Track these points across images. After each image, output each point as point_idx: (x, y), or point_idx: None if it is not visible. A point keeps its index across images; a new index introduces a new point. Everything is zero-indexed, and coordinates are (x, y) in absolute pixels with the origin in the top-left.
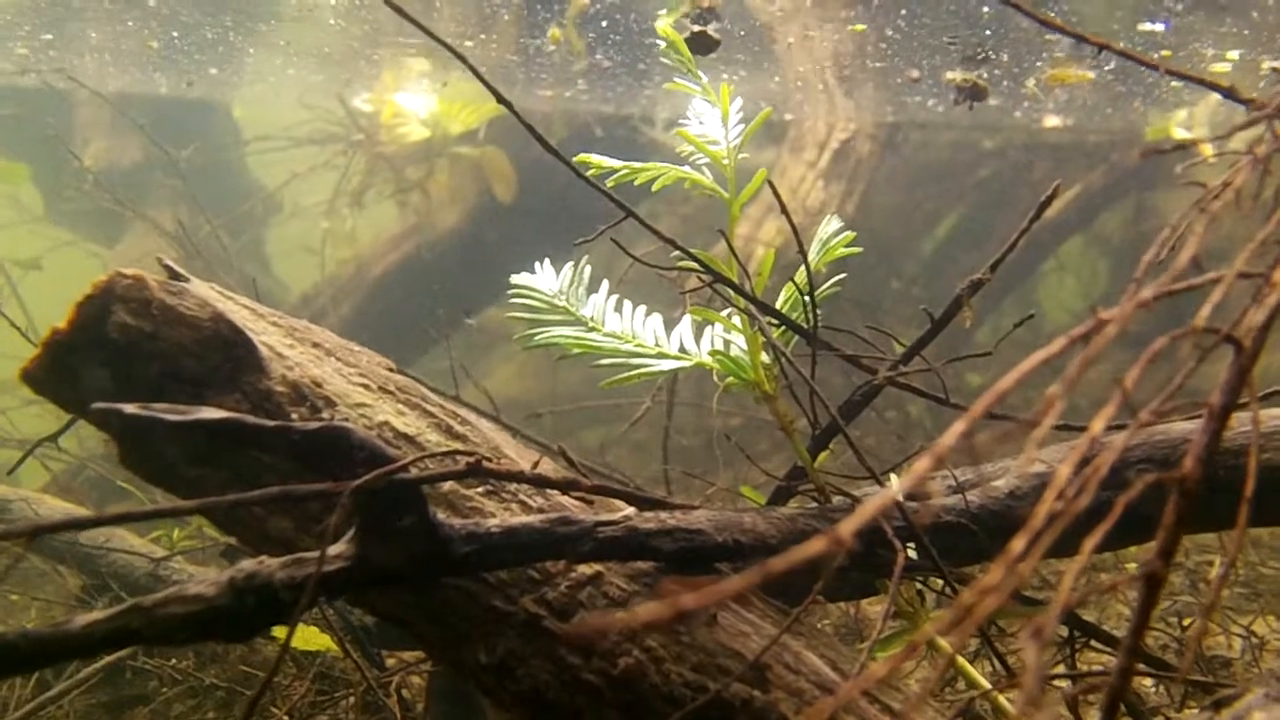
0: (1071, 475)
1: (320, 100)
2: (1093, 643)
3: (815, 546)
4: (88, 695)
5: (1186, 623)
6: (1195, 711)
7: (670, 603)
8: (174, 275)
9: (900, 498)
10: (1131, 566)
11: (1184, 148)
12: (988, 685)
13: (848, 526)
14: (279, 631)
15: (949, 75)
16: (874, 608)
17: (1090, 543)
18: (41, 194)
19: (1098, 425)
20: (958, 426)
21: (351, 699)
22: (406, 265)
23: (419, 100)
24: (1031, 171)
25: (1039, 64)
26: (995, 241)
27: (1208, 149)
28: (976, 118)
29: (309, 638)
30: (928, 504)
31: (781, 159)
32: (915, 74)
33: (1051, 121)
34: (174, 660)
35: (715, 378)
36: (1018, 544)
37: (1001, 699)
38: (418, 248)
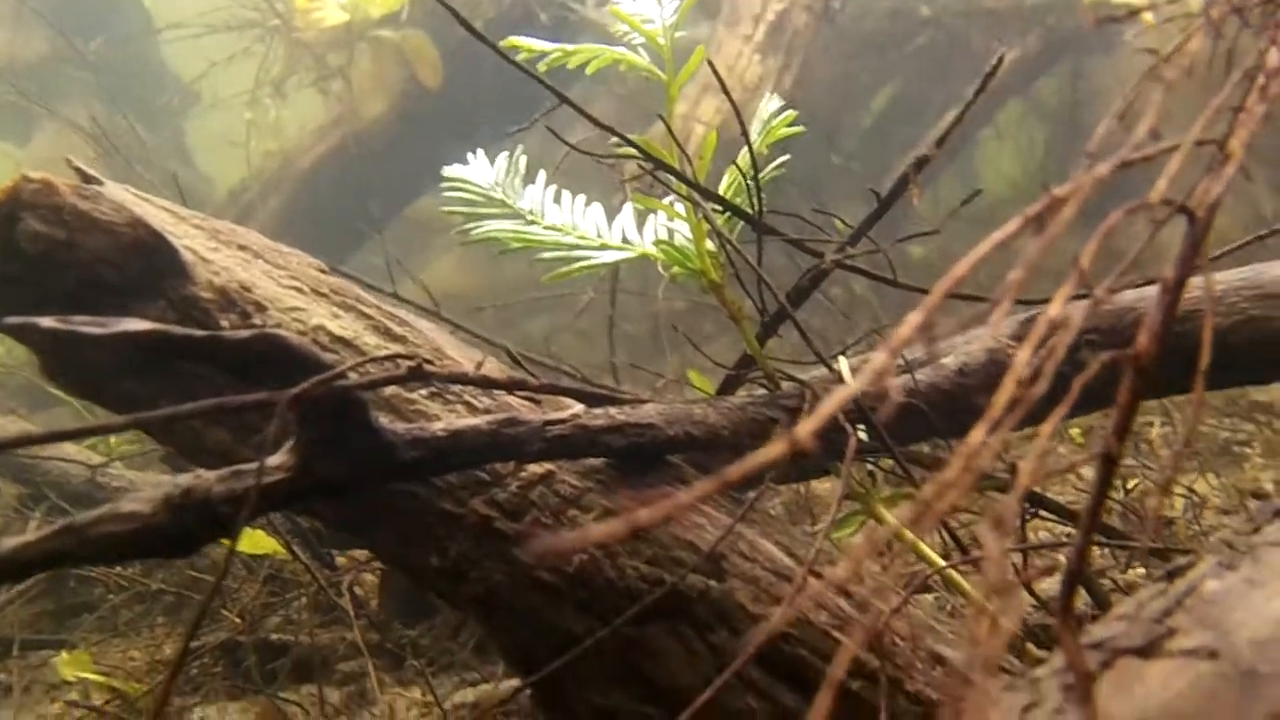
0: (1029, 358)
1: None
2: (1041, 511)
3: (774, 450)
4: (32, 605)
5: (1131, 485)
6: (1146, 578)
7: (627, 518)
8: (86, 178)
9: (853, 385)
10: (1075, 433)
11: (1132, 15)
12: (942, 562)
13: (807, 427)
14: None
15: None
16: (823, 485)
17: (1048, 428)
18: None
19: (1056, 306)
20: (915, 316)
21: (303, 599)
22: (334, 157)
23: None
24: (969, 40)
25: None
26: (934, 111)
27: (1149, 16)
28: None
29: (256, 542)
30: (888, 400)
31: (717, 34)
32: None
33: None
34: (119, 568)
35: (661, 268)
36: (976, 435)
37: (955, 574)
38: (344, 139)
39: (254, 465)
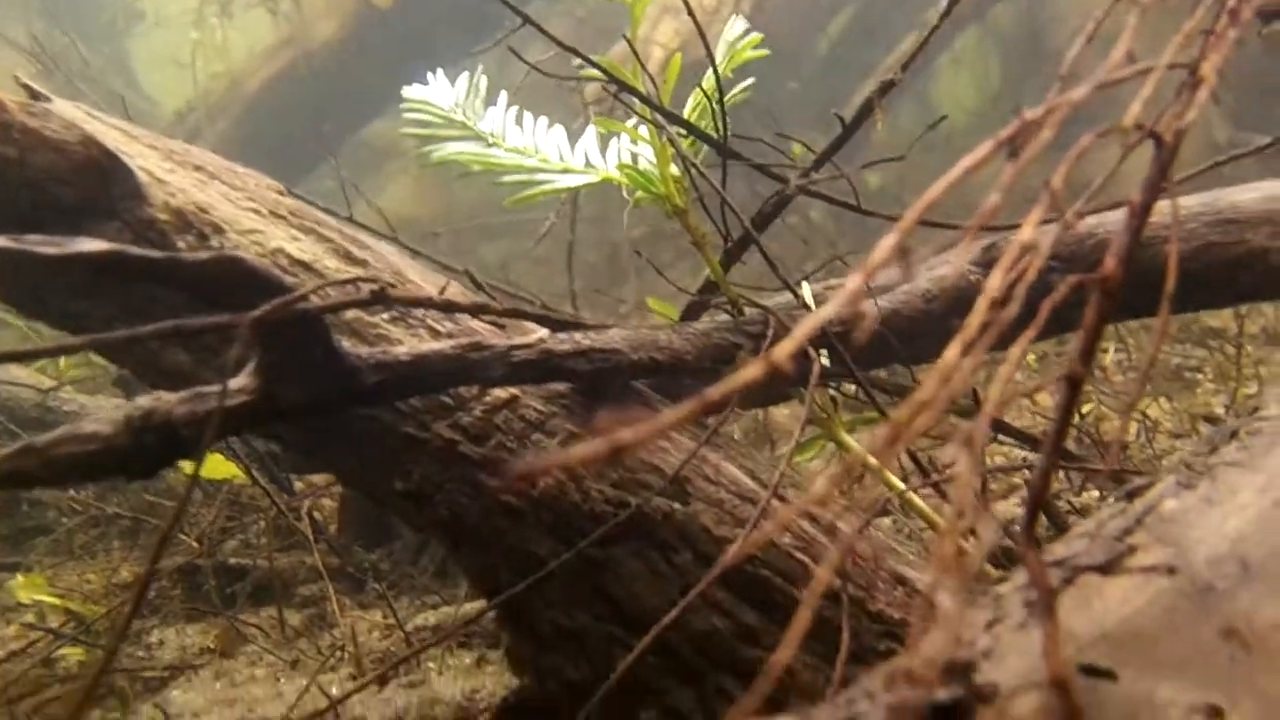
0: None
1: None
2: (1000, 436)
3: (752, 372)
4: None
5: (1086, 410)
6: (1101, 501)
7: (608, 439)
8: (34, 95)
9: (829, 308)
10: (1031, 359)
11: None
12: (903, 487)
13: (785, 349)
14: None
15: None
16: (782, 413)
17: (1018, 350)
18: None
19: (1027, 230)
20: (889, 239)
21: (262, 524)
22: (284, 79)
23: None
24: None
25: None
26: (893, 34)
27: None
28: None
29: (215, 466)
30: (864, 324)
31: None
32: None
33: None
34: (73, 491)
35: (625, 193)
36: (951, 353)
37: (915, 498)
38: (294, 60)
39: (216, 388)
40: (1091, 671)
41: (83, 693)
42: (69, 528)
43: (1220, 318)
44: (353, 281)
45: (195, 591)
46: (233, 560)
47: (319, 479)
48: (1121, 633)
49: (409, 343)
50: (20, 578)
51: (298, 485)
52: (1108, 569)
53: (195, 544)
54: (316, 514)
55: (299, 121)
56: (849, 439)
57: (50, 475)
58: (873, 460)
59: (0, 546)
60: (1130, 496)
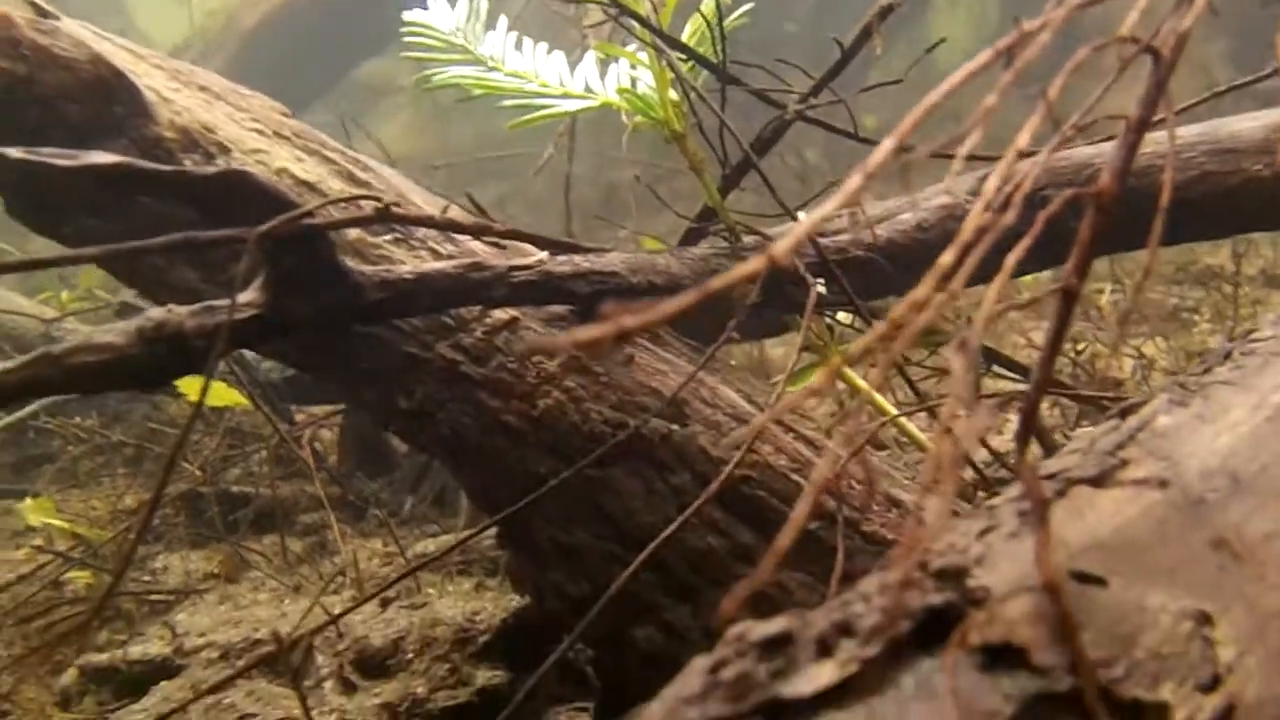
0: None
1: None
2: (994, 370)
3: (752, 265)
4: None
5: (1081, 347)
6: (1100, 422)
7: (612, 323)
8: (42, 13)
9: (826, 209)
10: (1027, 279)
11: None
12: (895, 411)
13: (782, 245)
14: (185, 386)
15: None
16: (776, 350)
17: (1013, 258)
18: None
19: (1024, 137)
20: (887, 143)
21: (263, 453)
22: (281, 15)
23: None
24: None
25: None
26: None
27: None
28: None
29: (217, 394)
30: (860, 223)
31: None
32: None
33: None
34: (78, 419)
35: (624, 118)
36: (946, 257)
37: (908, 423)
38: None
39: (225, 302)
40: (1082, 578)
41: (90, 613)
42: (74, 456)
43: (1218, 257)
44: (357, 198)
45: (198, 518)
46: (235, 488)
47: (319, 409)
48: (1113, 542)
49: (411, 264)
50: (30, 501)
51: (298, 417)
52: (1100, 481)
53: (198, 472)
54: (317, 445)
55: (295, 58)
56: (848, 370)
57: (66, 382)
58: (862, 383)
59: (6, 474)
60: (1124, 415)
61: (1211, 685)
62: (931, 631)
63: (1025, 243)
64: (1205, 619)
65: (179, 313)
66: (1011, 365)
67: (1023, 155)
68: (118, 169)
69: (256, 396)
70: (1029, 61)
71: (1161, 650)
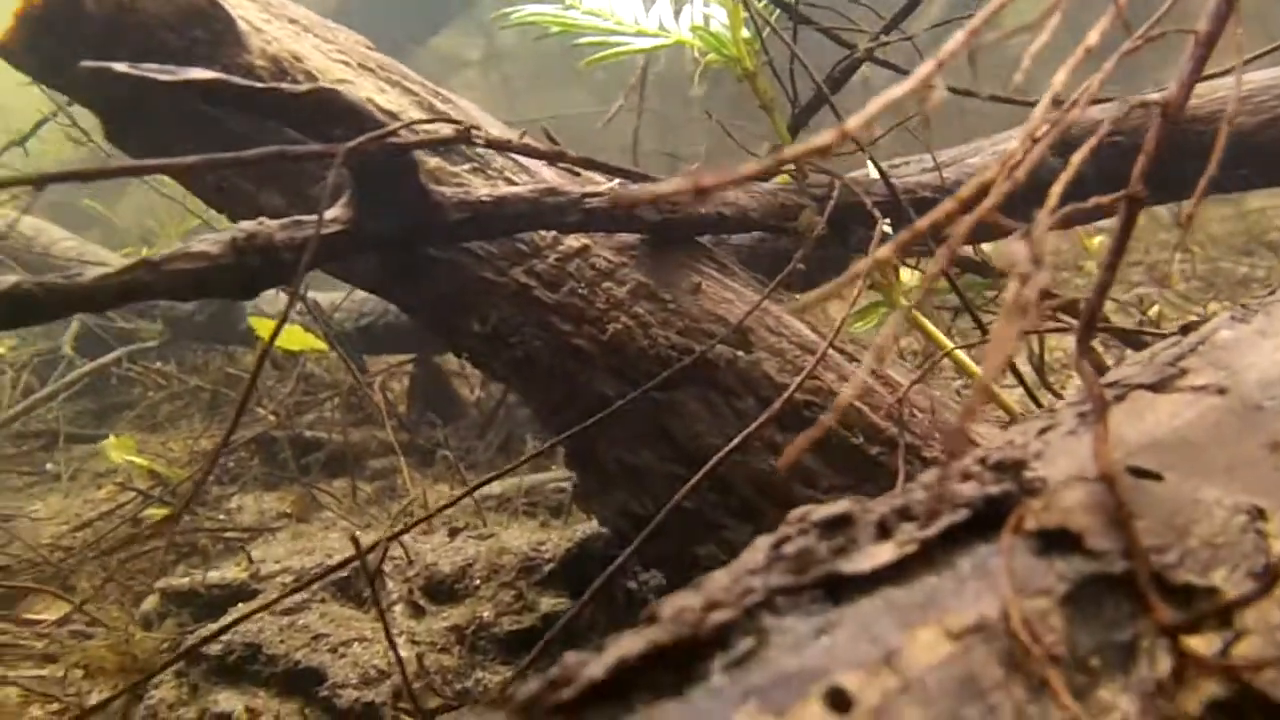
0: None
1: None
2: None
3: (828, 136)
4: (73, 402)
5: (1147, 308)
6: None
7: (690, 175)
8: None
9: (885, 175)
10: (1089, 265)
11: None
12: (950, 345)
13: (859, 118)
14: (260, 327)
15: None
16: (836, 313)
17: (1059, 186)
18: None
19: (1093, 36)
20: (958, 38)
21: (335, 400)
22: None
23: None
24: None
25: None
26: None
27: None
28: None
29: (293, 337)
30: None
31: None
32: None
33: None
34: (159, 363)
35: (696, 54)
36: (1014, 143)
37: (962, 355)
38: None
39: (313, 217)
40: (1139, 473)
41: (163, 526)
42: (152, 401)
43: None
44: (438, 121)
45: (272, 461)
46: (308, 433)
47: (390, 358)
48: (1170, 441)
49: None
50: (112, 439)
51: (370, 366)
52: (1159, 388)
53: (272, 416)
54: (388, 394)
55: (368, 29)
56: (919, 315)
57: (163, 287)
58: (922, 319)
59: (88, 419)
60: (1185, 331)
61: (1264, 574)
62: (989, 520)
63: (1091, 144)
64: (1259, 513)
65: (270, 225)
66: (1070, 309)
67: (1096, 101)
68: (216, 83)
69: (330, 345)
70: None
71: (1214, 540)
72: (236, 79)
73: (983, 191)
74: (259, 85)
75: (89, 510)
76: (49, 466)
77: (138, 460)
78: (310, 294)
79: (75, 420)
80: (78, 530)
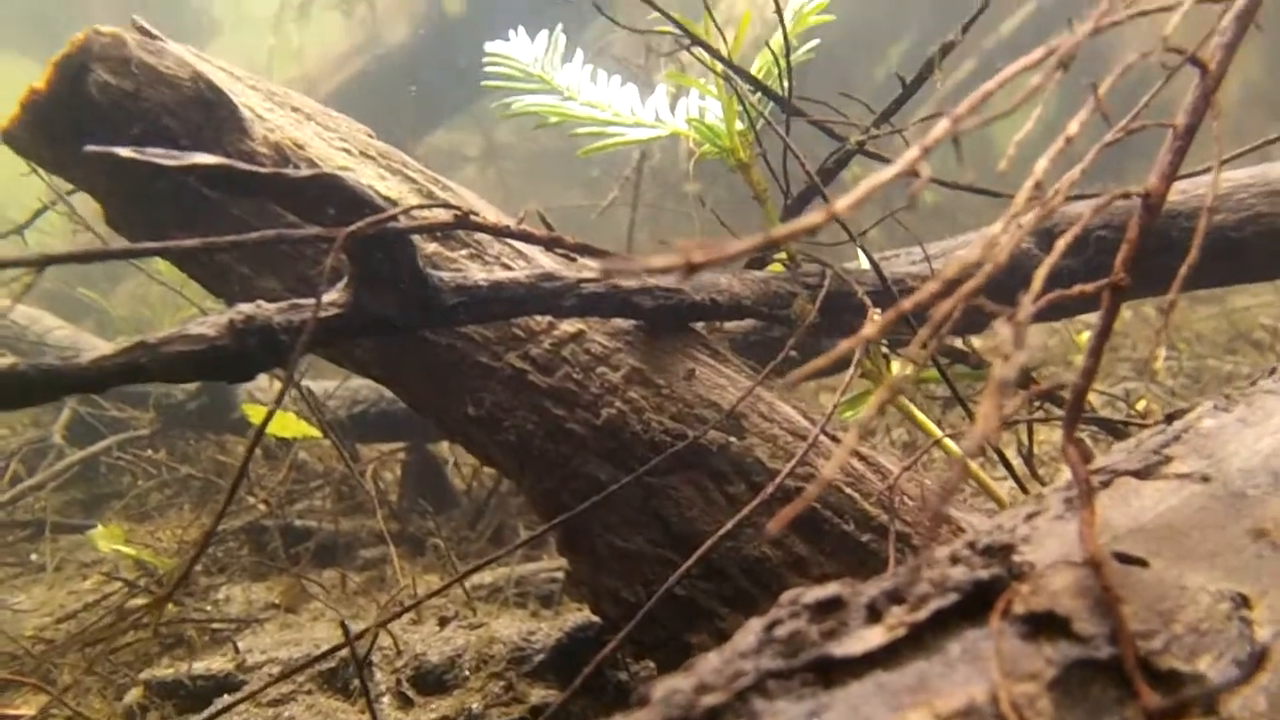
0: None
1: None
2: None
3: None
4: (62, 491)
5: (1135, 403)
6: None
7: (683, 251)
8: (148, 35)
9: (874, 266)
10: (1077, 359)
11: None
12: (939, 433)
13: (846, 202)
14: (253, 414)
15: None
16: (827, 400)
17: (1043, 270)
18: None
19: (1073, 126)
20: (945, 122)
21: (326, 488)
22: (355, 83)
23: None
24: None
25: None
26: (949, 64)
27: None
28: None
29: (286, 424)
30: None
31: None
32: None
33: None
34: (149, 451)
35: (691, 146)
36: (995, 228)
37: (950, 443)
38: (365, 65)
39: (311, 301)
40: (1125, 558)
41: (149, 610)
42: (142, 490)
43: (1271, 315)
44: (436, 206)
45: (261, 550)
46: (298, 522)
47: (382, 446)
48: (1155, 527)
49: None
50: (100, 528)
51: (362, 454)
52: (1145, 474)
53: (262, 505)
54: (380, 482)
55: (370, 124)
56: (907, 402)
57: (160, 369)
58: (909, 405)
59: (76, 509)
60: (1170, 419)
61: (1249, 661)
62: (978, 603)
63: (1055, 254)
64: (1243, 601)
65: (268, 308)
66: (1055, 399)
67: (1071, 199)
68: (220, 169)
69: (324, 432)
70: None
71: (1200, 626)
72: (240, 164)
73: (964, 274)
74: (261, 171)
75: (73, 601)
76: (34, 557)
77: (125, 550)
78: (304, 382)
79: (63, 510)
80: (61, 622)
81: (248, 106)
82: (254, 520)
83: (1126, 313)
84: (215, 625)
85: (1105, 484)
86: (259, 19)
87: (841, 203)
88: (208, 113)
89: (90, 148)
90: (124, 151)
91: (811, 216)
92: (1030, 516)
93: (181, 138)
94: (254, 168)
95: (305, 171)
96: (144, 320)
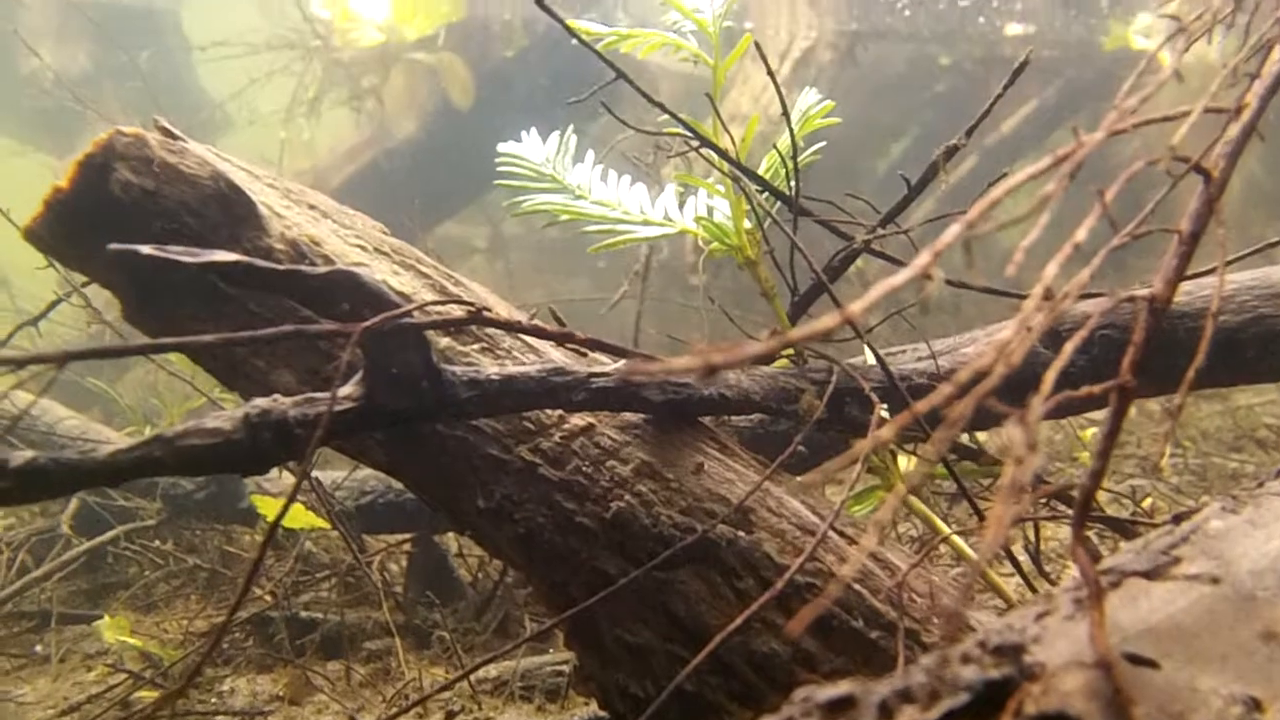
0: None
1: (275, 5)
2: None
3: (826, 323)
4: (68, 581)
5: (1141, 500)
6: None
7: (701, 354)
8: (170, 134)
9: (879, 361)
10: (1083, 456)
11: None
12: (948, 530)
13: (861, 303)
14: (264, 507)
15: None
16: (836, 496)
17: (1052, 372)
18: None
19: (1081, 233)
20: (954, 230)
21: (333, 579)
22: (365, 175)
23: (373, 4)
24: (988, 89)
25: None
26: (951, 162)
27: (1164, 56)
28: (936, 27)
29: (295, 515)
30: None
31: (744, 67)
32: None
33: (1013, 29)
34: (156, 541)
35: (699, 243)
36: (1006, 333)
37: (959, 540)
38: (375, 158)
39: (326, 395)
40: (1135, 659)
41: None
42: (149, 581)
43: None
44: (450, 302)
45: (267, 641)
46: (304, 613)
47: (389, 538)
48: (1165, 628)
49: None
50: (106, 619)
51: (368, 545)
52: (1153, 575)
53: (268, 597)
54: (386, 574)
55: (379, 216)
56: (917, 502)
57: (176, 463)
58: (919, 503)
59: (81, 600)
60: (1178, 520)
61: None
62: (989, 703)
63: (1063, 357)
64: (1255, 704)
65: (283, 402)
66: (1064, 497)
67: (1084, 296)
68: (238, 266)
69: (333, 524)
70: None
71: None
72: (257, 261)
73: (978, 377)
74: (279, 267)
75: (78, 693)
76: (38, 649)
77: (131, 641)
78: (313, 472)
79: (69, 600)
80: (65, 715)
81: (265, 204)
82: (260, 611)
83: (1131, 411)
84: (220, 717)
85: (1114, 584)
86: (270, 113)
87: (854, 305)
88: (226, 210)
89: (113, 246)
90: (145, 249)
91: (825, 320)
92: (1040, 616)
93: (201, 234)
94: (271, 264)
95: (321, 268)
96: (152, 408)
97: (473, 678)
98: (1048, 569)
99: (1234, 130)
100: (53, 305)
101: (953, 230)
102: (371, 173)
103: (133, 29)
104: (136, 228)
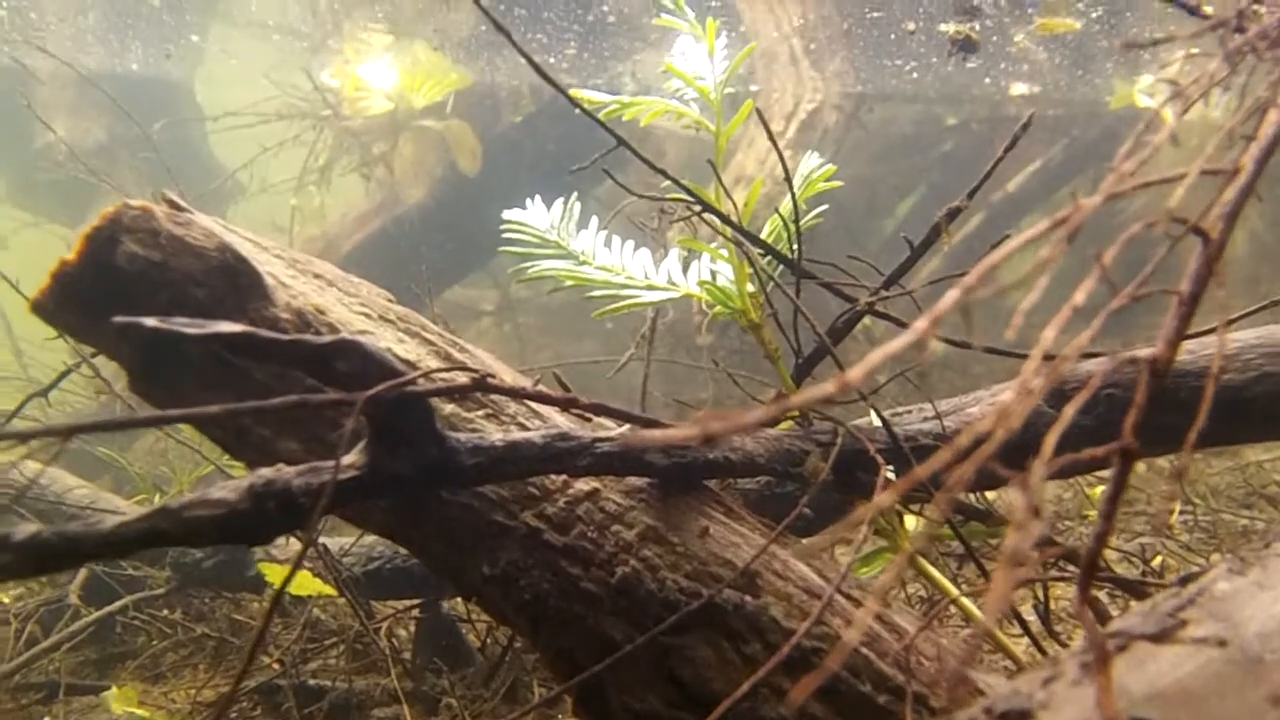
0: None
1: (286, 76)
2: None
3: (828, 387)
4: (75, 652)
5: (1150, 559)
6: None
7: (701, 422)
8: (177, 207)
9: (884, 423)
10: (1092, 514)
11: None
12: (956, 592)
13: (858, 371)
14: (270, 574)
15: (943, 27)
16: (843, 558)
17: (1053, 435)
18: (2, 177)
19: (1079, 296)
20: (953, 295)
21: (340, 646)
22: (374, 242)
23: (382, 73)
24: (994, 149)
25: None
26: (959, 220)
27: (1167, 114)
28: (942, 89)
29: (302, 583)
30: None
31: (749, 130)
32: (911, 26)
33: (1018, 89)
34: (165, 611)
35: (704, 307)
36: (1008, 394)
37: (966, 602)
38: (384, 225)
39: (330, 463)
40: None
41: None
42: (156, 650)
43: None
44: (454, 369)
45: (275, 711)
46: (311, 681)
47: (396, 604)
48: (1172, 692)
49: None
50: (115, 689)
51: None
52: (1160, 638)
53: (276, 665)
54: (394, 640)
55: (386, 283)
56: (924, 562)
57: (182, 534)
58: (927, 565)
59: (89, 670)
60: (1184, 582)
61: None
62: None
63: (1084, 394)
64: None
65: (287, 472)
66: (1071, 557)
67: (1086, 356)
68: (242, 336)
69: (340, 590)
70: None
71: None
72: (262, 331)
73: (979, 440)
74: (282, 338)
75: None
76: None
77: (139, 712)
78: (320, 539)
79: (77, 671)
80: None
81: (271, 274)
82: (268, 679)
83: (1140, 467)
84: None
85: (1121, 648)
86: (282, 181)
87: (854, 371)
88: (232, 281)
89: (118, 319)
90: (150, 322)
91: (827, 385)
92: (1047, 681)
93: (207, 304)
94: (275, 334)
95: (326, 337)
96: (162, 476)
97: None
98: (1058, 629)
99: (1231, 192)
100: (62, 375)
101: (951, 295)
102: (381, 239)
103: (147, 101)
104: (143, 299)
